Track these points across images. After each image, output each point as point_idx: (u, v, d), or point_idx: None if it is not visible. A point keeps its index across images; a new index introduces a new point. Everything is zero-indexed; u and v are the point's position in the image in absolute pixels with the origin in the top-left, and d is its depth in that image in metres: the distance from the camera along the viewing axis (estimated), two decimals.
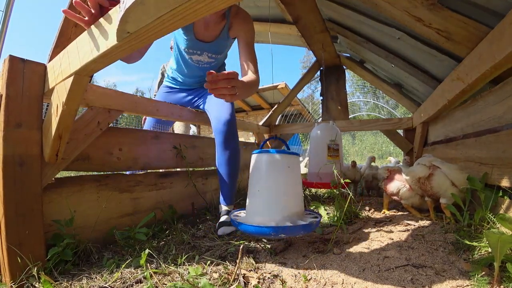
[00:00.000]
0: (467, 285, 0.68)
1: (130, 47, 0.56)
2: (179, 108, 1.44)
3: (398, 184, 1.32)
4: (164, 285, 0.71)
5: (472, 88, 1.10)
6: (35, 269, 0.73)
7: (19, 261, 0.74)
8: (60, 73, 0.76)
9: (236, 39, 1.29)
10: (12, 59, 0.79)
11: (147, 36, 0.51)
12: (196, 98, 1.51)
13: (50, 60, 0.83)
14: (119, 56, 0.63)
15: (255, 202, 1.03)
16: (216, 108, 1.32)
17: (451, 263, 0.80)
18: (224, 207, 1.30)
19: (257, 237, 1.06)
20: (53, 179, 0.90)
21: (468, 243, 0.83)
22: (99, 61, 0.64)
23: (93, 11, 0.63)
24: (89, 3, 0.62)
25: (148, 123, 1.53)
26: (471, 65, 1.03)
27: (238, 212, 1.19)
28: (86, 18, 0.62)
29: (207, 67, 1.42)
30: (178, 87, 1.53)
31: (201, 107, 1.50)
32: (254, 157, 1.07)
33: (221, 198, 1.32)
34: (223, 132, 1.25)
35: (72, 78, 0.71)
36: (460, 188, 1.11)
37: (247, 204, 1.08)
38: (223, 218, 1.24)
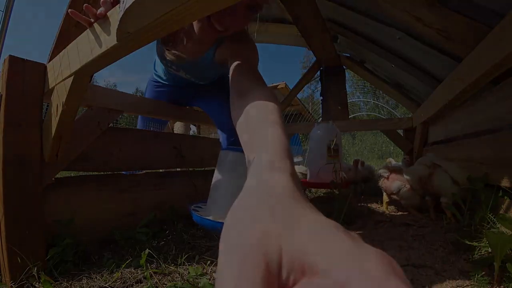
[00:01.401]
0: (467, 285, 0.68)
1: (130, 47, 0.56)
2: (179, 108, 1.44)
3: (399, 184, 1.32)
4: (164, 285, 0.71)
5: (472, 88, 1.10)
6: (35, 269, 0.73)
7: (19, 261, 0.73)
8: (60, 73, 0.76)
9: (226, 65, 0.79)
10: (12, 59, 0.79)
11: (147, 36, 0.51)
12: (190, 96, 1.38)
13: (50, 60, 0.83)
14: (119, 56, 0.63)
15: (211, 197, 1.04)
16: (218, 112, 1.27)
17: (451, 263, 0.80)
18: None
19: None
20: (53, 179, 0.90)
21: (468, 243, 0.83)
22: (99, 61, 0.64)
23: (99, 12, 0.63)
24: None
25: (140, 122, 1.45)
26: (471, 65, 1.03)
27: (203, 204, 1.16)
28: (92, 20, 0.62)
29: (190, 82, 1.22)
30: (166, 82, 1.34)
31: (195, 104, 1.42)
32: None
33: None
34: (226, 137, 1.23)
35: (72, 78, 0.71)
36: (461, 186, 1.11)
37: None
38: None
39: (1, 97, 0.77)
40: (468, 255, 0.82)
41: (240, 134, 0.48)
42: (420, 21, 1.26)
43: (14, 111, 0.78)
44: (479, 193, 1.03)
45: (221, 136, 1.25)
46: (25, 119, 0.80)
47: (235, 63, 0.70)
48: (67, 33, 0.86)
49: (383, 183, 1.42)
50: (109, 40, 0.55)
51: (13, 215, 0.76)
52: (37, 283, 0.71)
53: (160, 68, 1.27)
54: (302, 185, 1.76)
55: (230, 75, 0.67)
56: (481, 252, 0.81)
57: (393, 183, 1.35)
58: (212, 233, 1.18)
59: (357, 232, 1.14)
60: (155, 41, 1.06)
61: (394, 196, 1.37)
